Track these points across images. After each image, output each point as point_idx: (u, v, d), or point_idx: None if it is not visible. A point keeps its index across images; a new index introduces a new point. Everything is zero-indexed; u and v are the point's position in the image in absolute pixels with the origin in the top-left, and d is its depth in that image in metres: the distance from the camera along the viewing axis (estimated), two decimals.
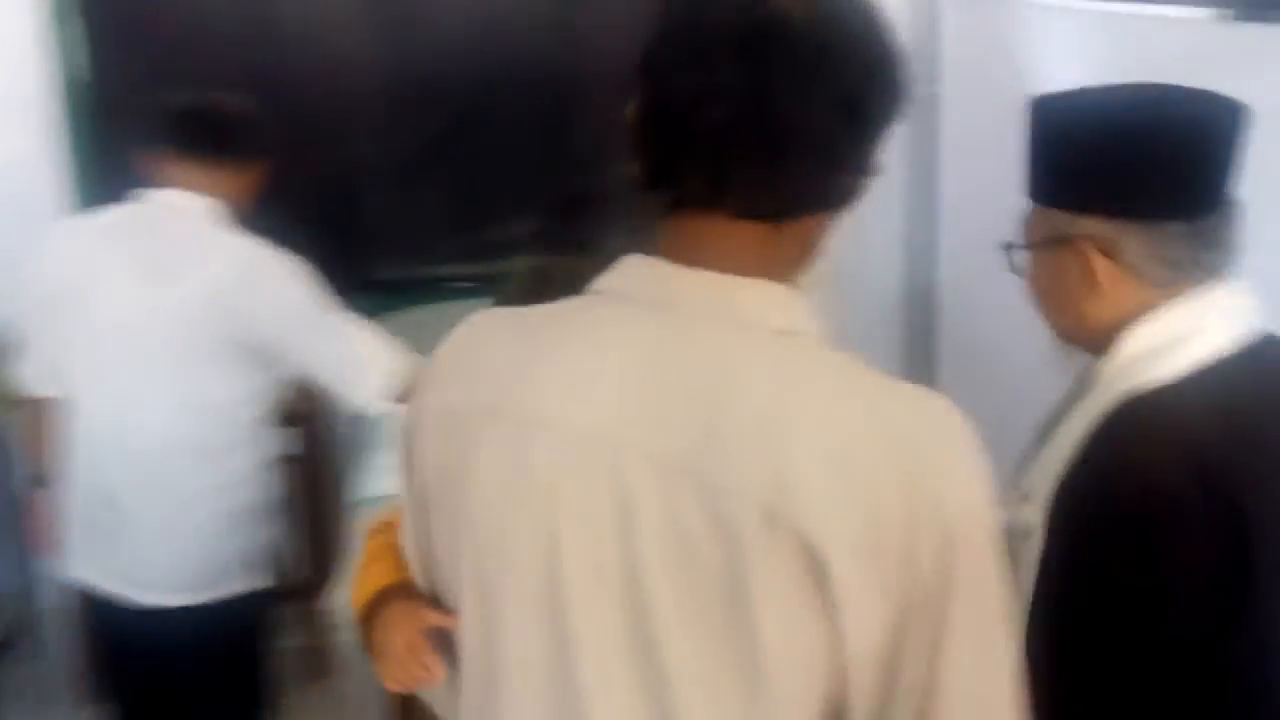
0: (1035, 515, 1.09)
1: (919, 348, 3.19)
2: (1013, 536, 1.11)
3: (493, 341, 0.96)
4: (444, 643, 1.00)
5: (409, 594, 1.04)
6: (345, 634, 2.88)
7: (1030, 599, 1.07)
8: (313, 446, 2.76)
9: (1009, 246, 1.20)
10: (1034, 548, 1.08)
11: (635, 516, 0.84)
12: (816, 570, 0.80)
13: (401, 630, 1.03)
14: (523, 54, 3.05)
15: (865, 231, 3.05)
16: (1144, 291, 1.10)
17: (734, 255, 0.87)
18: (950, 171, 3.05)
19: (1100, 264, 1.10)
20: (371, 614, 1.09)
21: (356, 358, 2.04)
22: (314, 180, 3.04)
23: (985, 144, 2.90)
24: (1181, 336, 1.08)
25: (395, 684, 1.06)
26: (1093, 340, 1.16)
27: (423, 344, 2.88)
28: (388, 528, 1.15)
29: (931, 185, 3.09)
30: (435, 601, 1.01)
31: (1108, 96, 1.14)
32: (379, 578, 1.10)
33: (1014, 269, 1.21)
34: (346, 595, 3.09)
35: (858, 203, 0.90)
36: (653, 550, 0.83)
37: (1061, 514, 1.06)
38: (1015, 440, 3.06)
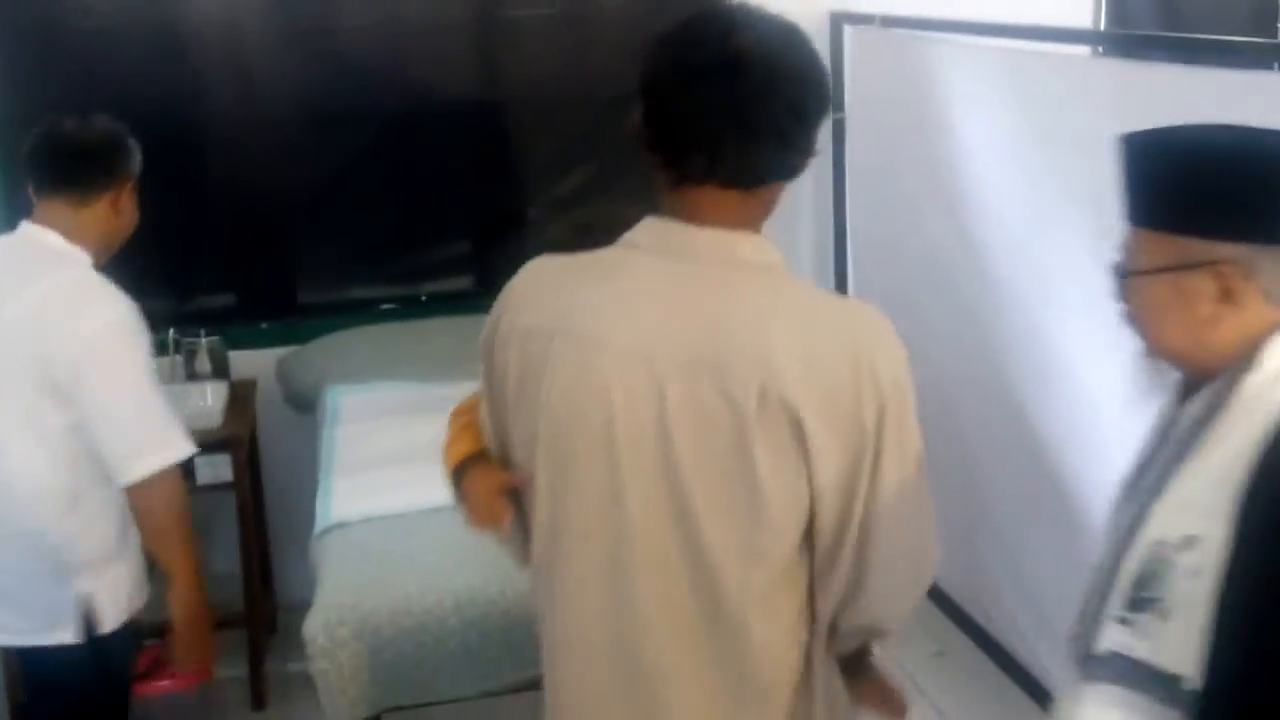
0: (1198, 524, 1.15)
1: None
2: (1161, 547, 1.17)
3: (553, 280, 1.31)
4: (513, 498, 1.36)
5: (487, 461, 1.40)
6: (285, 664, 2.89)
7: (1221, 604, 1.11)
8: (242, 473, 2.78)
9: (1122, 272, 1.25)
10: (1205, 556, 1.13)
11: (666, 399, 1.19)
12: (795, 428, 1.18)
13: (483, 482, 1.38)
14: (444, 80, 3.12)
15: (791, 238, 3.24)
16: (1271, 310, 1.18)
17: (724, 215, 1.24)
18: (856, 188, 3.22)
19: (1241, 286, 1.16)
20: (460, 472, 1.43)
21: (139, 432, 1.88)
22: (235, 208, 3.07)
23: (885, 163, 3.12)
24: None
25: (477, 523, 1.40)
26: (1211, 358, 1.21)
27: (351, 365, 2.96)
28: (468, 411, 1.47)
29: (840, 201, 3.27)
30: (507, 468, 1.37)
31: (1221, 132, 1.22)
32: (465, 447, 1.43)
33: (1120, 293, 1.27)
34: (291, 622, 3.09)
35: (801, 173, 1.27)
36: (679, 422, 1.19)
37: (1265, 523, 1.10)
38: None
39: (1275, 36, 2.86)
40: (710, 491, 1.20)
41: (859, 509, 1.24)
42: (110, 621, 1.95)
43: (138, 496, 1.88)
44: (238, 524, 2.86)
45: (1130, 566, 1.21)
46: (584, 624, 1.28)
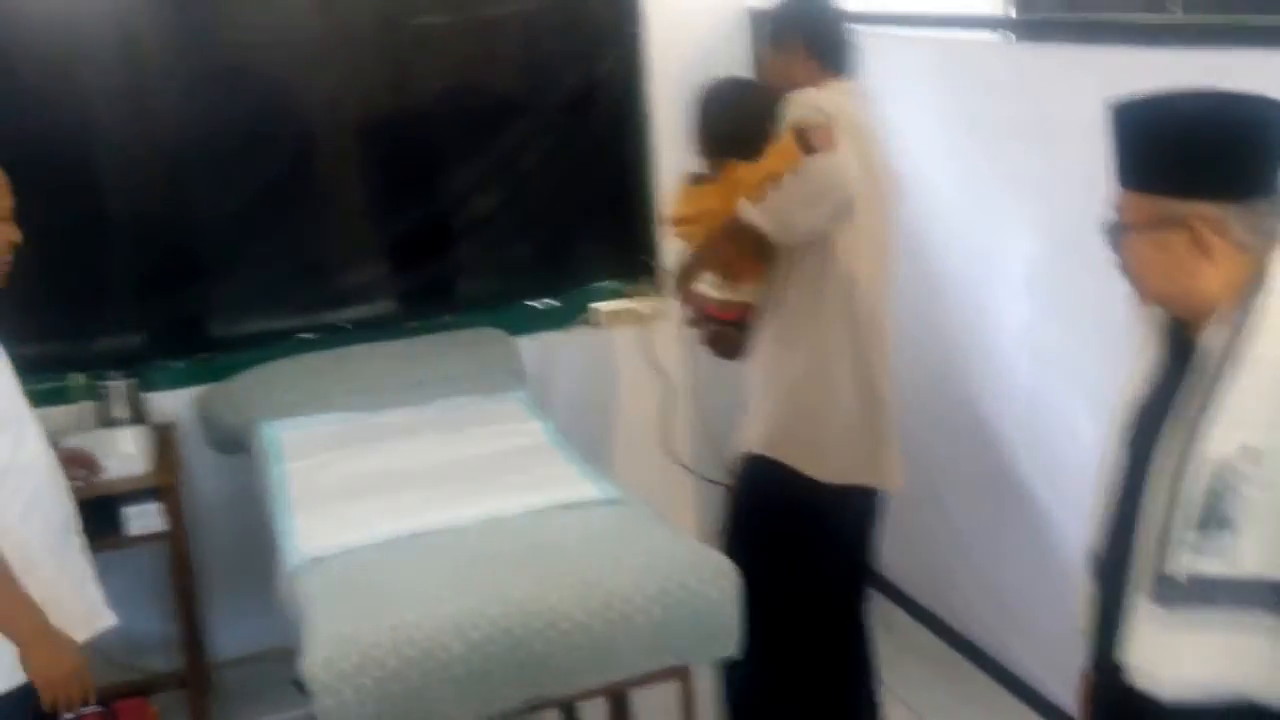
0: (1258, 436, 1.25)
1: None
2: (1223, 465, 1.25)
3: None
4: None
5: None
6: None
7: None
8: (177, 522, 2.59)
9: (1114, 228, 1.36)
10: (1273, 462, 1.23)
11: None
12: None
13: None
14: (352, 98, 2.99)
15: None
16: (1244, 255, 1.30)
17: None
18: None
19: (1213, 240, 1.29)
20: None
21: None
22: (139, 242, 2.87)
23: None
24: None
25: None
26: (1198, 302, 1.34)
27: (282, 399, 2.79)
28: None
29: None
30: None
31: (1196, 99, 1.32)
32: None
33: (1114, 248, 1.37)
34: (226, 679, 2.88)
35: None
36: None
37: None
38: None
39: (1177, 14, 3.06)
40: None
41: None
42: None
43: None
44: (172, 576, 2.66)
45: (1193, 490, 1.28)
46: None
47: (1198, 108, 1.30)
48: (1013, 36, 2.72)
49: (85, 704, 1.86)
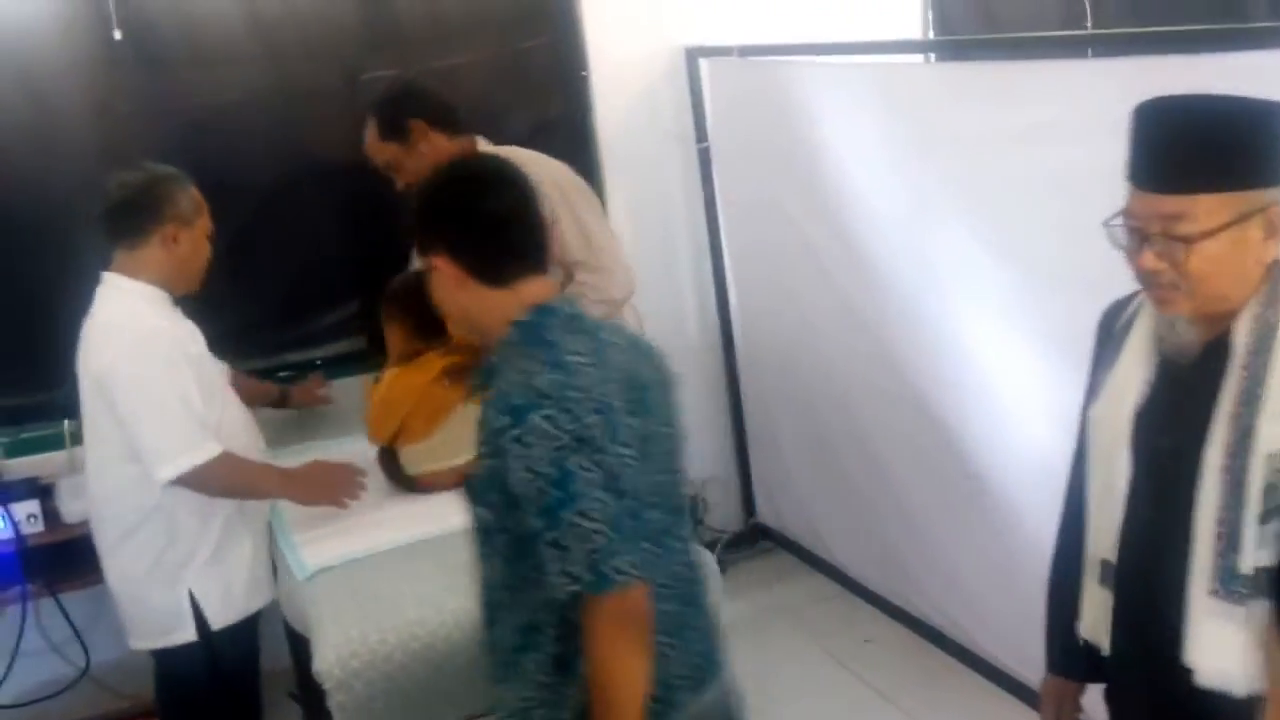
0: None
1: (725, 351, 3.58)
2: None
3: None
4: None
5: None
6: None
7: None
8: None
9: (1188, 240, 1.28)
10: None
11: None
12: None
13: None
14: (319, 143, 3.12)
15: (670, 265, 3.41)
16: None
17: None
18: (729, 210, 3.44)
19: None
20: None
21: (160, 439, 2.15)
22: None
23: (756, 183, 3.35)
24: None
25: None
26: (1244, 292, 1.31)
27: (266, 433, 2.87)
28: None
29: (713, 225, 3.48)
30: None
31: (1222, 100, 1.30)
32: None
33: (1175, 260, 1.30)
34: None
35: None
36: None
37: None
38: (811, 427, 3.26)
39: (1087, 29, 3.30)
40: None
41: None
42: (220, 619, 2.24)
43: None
44: None
45: (1253, 484, 1.26)
46: None
47: (1239, 106, 1.30)
48: (934, 57, 2.93)
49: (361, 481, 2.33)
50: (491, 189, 1.48)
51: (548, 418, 1.31)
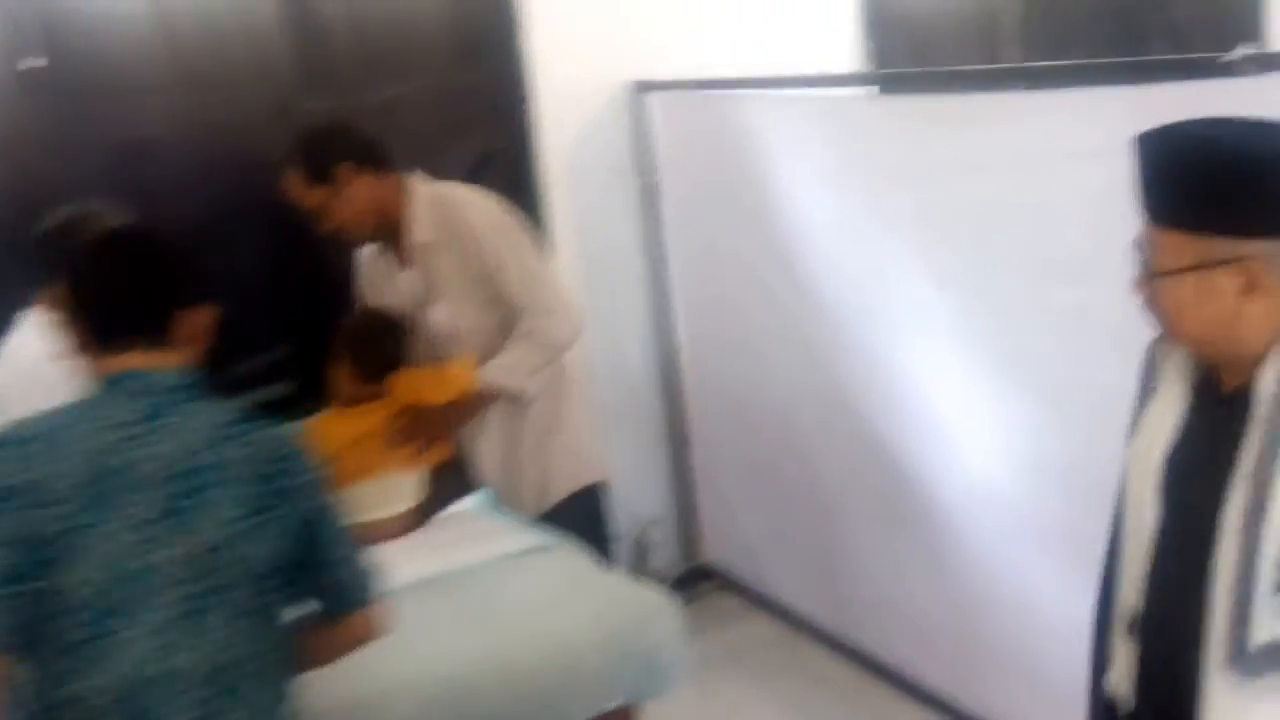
0: None
1: (671, 385, 3.52)
2: None
3: None
4: None
5: None
6: None
7: None
8: None
9: (1153, 275, 1.25)
10: None
11: None
12: None
13: None
14: (248, 182, 3.00)
15: (618, 299, 3.35)
16: None
17: None
18: (677, 244, 3.40)
19: (1266, 279, 1.20)
20: None
21: None
22: None
23: (704, 216, 3.31)
24: None
25: None
26: (1238, 345, 1.25)
27: None
28: None
29: (661, 259, 3.43)
30: None
31: (1231, 128, 1.23)
32: None
33: (1144, 290, 1.28)
34: None
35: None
36: None
37: None
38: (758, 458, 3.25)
39: (1009, 59, 3.37)
40: None
41: None
42: None
43: None
44: None
45: (1269, 551, 1.19)
46: None
47: (1240, 138, 1.21)
48: (876, 90, 2.94)
49: None
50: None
51: None
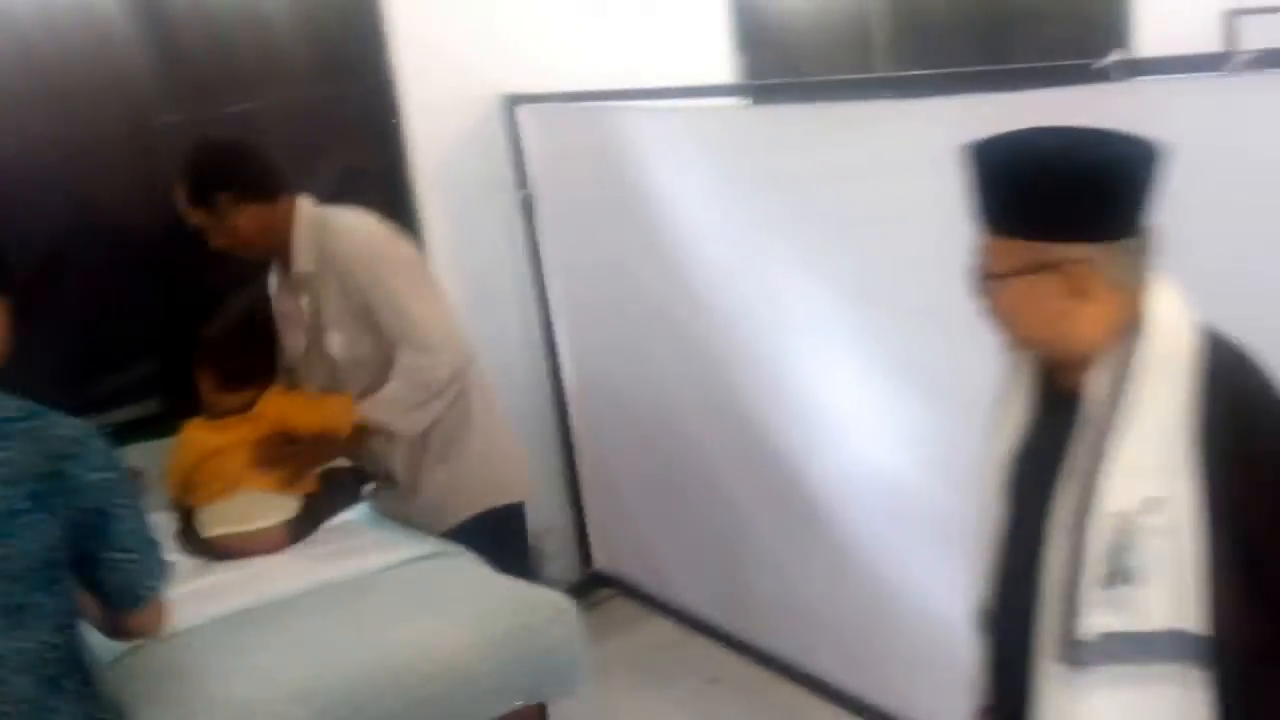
0: (1156, 486, 1.21)
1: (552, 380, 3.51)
2: (1122, 518, 1.21)
3: None
4: None
5: None
6: None
7: (1213, 551, 1.17)
8: None
9: (985, 277, 1.29)
10: (1176, 511, 1.19)
11: None
12: None
13: None
14: (109, 195, 2.87)
15: (493, 313, 3.31)
16: (1122, 294, 1.25)
17: None
18: (554, 257, 3.41)
19: (1089, 283, 1.23)
20: None
21: None
22: None
23: (575, 226, 3.32)
24: (1177, 305, 1.27)
25: None
26: (1077, 346, 1.28)
27: None
28: None
29: (538, 272, 3.43)
30: None
31: (1058, 136, 1.26)
32: None
33: (982, 296, 1.30)
34: None
35: None
36: None
37: (1235, 454, 1.19)
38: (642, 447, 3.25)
39: (874, 68, 3.51)
40: None
41: None
42: None
43: None
44: None
45: (1096, 547, 1.23)
46: None
47: (1061, 147, 1.25)
48: (748, 101, 3.02)
49: None
50: None
51: None
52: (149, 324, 2.96)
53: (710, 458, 3.06)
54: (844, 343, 2.55)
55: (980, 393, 1.44)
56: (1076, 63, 1.87)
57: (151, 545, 1.61)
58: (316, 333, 2.46)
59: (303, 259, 2.40)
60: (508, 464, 2.63)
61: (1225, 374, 1.22)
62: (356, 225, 2.43)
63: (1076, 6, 4.42)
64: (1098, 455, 1.24)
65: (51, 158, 2.80)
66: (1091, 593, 1.22)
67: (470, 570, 2.20)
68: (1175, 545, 1.19)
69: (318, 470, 2.40)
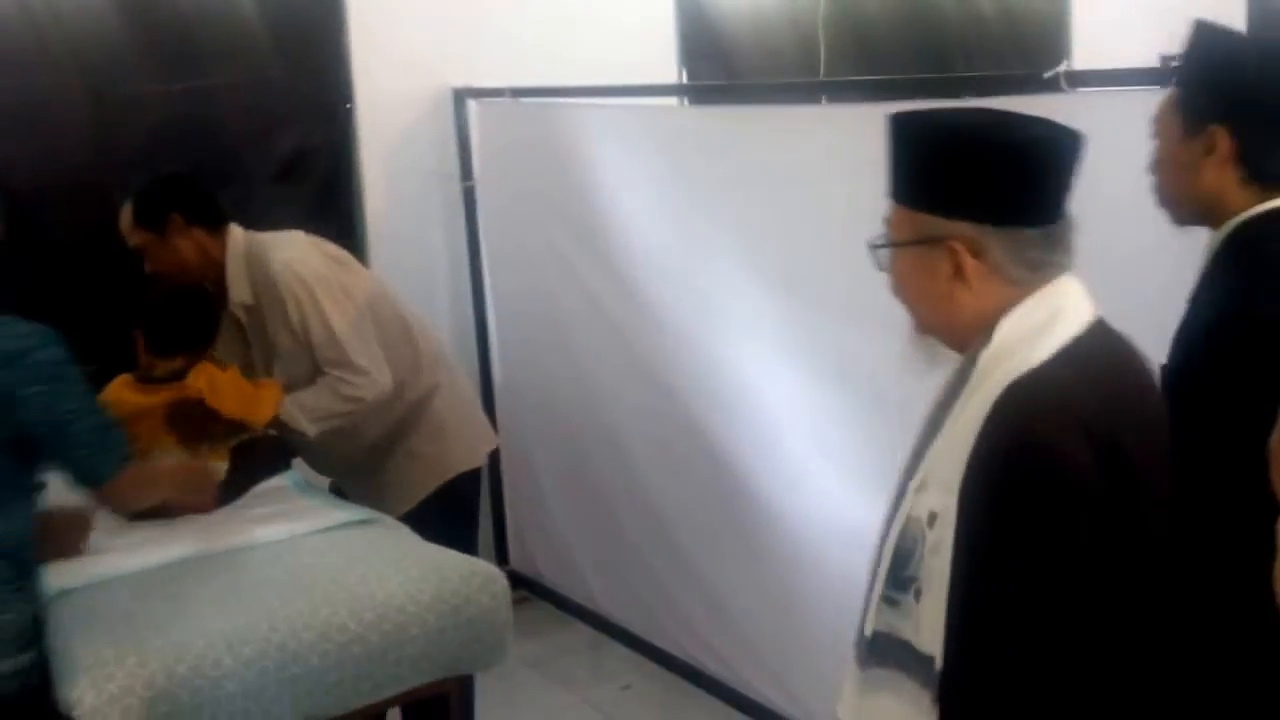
0: (939, 500, 1.16)
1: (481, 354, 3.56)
2: (914, 524, 1.18)
3: None
4: None
5: None
6: None
7: (952, 578, 1.13)
8: None
9: (876, 245, 1.28)
10: (943, 530, 1.15)
11: None
12: None
13: None
14: (61, 174, 2.91)
15: (428, 302, 3.31)
16: (1006, 288, 1.20)
17: None
18: (493, 250, 3.48)
19: (969, 263, 1.20)
20: None
21: None
22: None
23: (516, 221, 3.39)
24: (1046, 323, 1.19)
25: None
26: (958, 333, 1.25)
27: None
28: None
29: (475, 264, 3.50)
30: None
31: (970, 116, 1.27)
32: None
33: (879, 265, 1.29)
34: None
35: None
36: None
37: (976, 495, 1.13)
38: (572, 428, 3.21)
39: (818, 76, 3.63)
40: None
41: None
42: None
43: None
44: None
45: (889, 546, 1.22)
46: None
47: (970, 124, 1.25)
48: (686, 100, 3.13)
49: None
50: None
51: None
52: (97, 294, 2.98)
53: (636, 461, 3.05)
54: (777, 343, 2.56)
55: (912, 394, 1.38)
56: (1023, 73, 1.93)
57: (104, 431, 1.79)
58: (264, 361, 2.54)
59: (238, 290, 2.49)
60: (470, 431, 2.76)
61: (1023, 404, 1.14)
62: (287, 249, 2.50)
63: (1018, 23, 4.56)
64: (920, 453, 1.23)
65: (4, 123, 2.84)
66: (880, 589, 1.22)
67: (402, 537, 2.25)
68: (938, 563, 1.15)
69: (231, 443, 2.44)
